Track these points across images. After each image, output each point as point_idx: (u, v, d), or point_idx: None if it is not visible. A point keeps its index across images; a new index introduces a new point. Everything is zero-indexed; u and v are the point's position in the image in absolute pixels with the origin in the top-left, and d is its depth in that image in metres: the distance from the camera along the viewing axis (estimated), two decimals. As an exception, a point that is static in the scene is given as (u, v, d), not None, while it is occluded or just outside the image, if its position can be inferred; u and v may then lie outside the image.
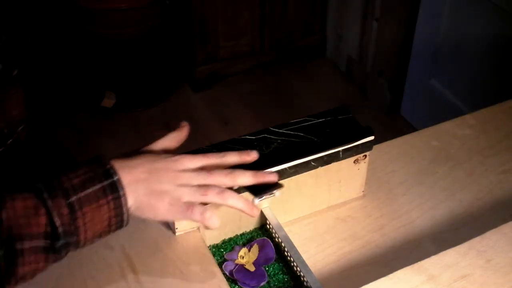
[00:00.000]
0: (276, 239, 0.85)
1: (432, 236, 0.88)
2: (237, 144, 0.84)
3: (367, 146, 0.87)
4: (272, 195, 0.77)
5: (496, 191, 0.94)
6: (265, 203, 0.86)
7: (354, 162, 0.88)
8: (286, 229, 0.85)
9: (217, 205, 0.81)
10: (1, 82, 0.76)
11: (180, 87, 2.53)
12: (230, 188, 0.74)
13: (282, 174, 0.83)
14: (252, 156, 0.77)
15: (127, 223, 0.71)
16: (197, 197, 0.72)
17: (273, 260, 0.83)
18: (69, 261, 0.79)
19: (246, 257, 0.82)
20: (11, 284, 0.66)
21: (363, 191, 0.93)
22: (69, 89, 2.44)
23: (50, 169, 0.70)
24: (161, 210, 0.71)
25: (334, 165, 0.86)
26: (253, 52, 2.56)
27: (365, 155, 0.88)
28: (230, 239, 0.86)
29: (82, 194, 0.66)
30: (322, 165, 0.85)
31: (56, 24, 2.29)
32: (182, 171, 0.72)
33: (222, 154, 0.76)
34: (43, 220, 0.65)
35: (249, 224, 0.87)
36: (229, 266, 0.81)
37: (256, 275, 0.80)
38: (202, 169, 0.74)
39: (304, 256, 0.81)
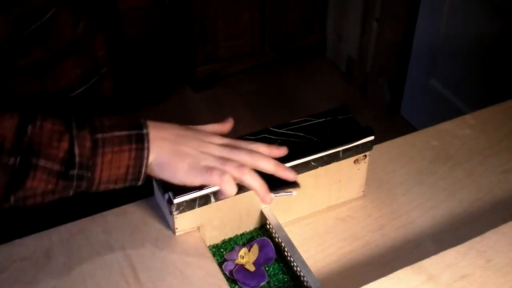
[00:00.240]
0: (276, 239, 0.85)
1: (432, 236, 0.88)
2: (237, 144, 0.84)
3: (367, 146, 0.87)
4: (289, 193, 0.77)
5: (496, 191, 0.94)
6: (265, 203, 0.86)
7: (354, 162, 0.88)
8: (286, 229, 0.85)
9: (218, 206, 0.81)
10: (89, 25, 0.78)
11: (180, 87, 2.53)
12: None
13: (282, 174, 0.83)
14: (281, 151, 0.78)
15: (143, 180, 0.72)
16: (217, 165, 0.73)
17: (273, 260, 0.83)
18: (69, 261, 0.79)
19: (246, 257, 0.82)
20: (16, 194, 0.68)
21: (363, 191, 0.93)
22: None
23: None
24: (181, 171, 0.72)
25: (334, 165, 0.86)
26: (253, 52, 2.56)
27: (365, 155, 0.88)
28: (230, 239, 0.86)
29: (107, 135, 0.69)
30: (322, 165, 0.85)
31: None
32: (208, 142, 0.75)
33: (251, 141, 0.77)
34: (64, 145, 0.67)
35: (249, 224, 0.87)
36: (229, 266, 0.81)
37: (256, 275, 0.80)
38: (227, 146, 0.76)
39: (304, 256, 0.81)
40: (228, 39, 2.46)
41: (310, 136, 0.85)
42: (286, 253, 0.82)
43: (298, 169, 0.83)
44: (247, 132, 0.86)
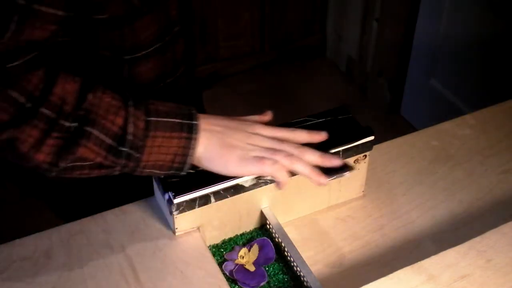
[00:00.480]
0: (276, 239, 0.85)
1: (432, 236, 0.88)
2: (237, 144, 0.84)
3: (367, 146, 0.87)
4: (342, 176, 0.79)
5: (496, 191, 0.94)
6: (265, 203, 0.86)
7: (354, 162, 0.88)
8: (286, 229, 0.85)
9: (218, 206, 0.81)
10: None
11: (180, 87, 2.53)
12: None
13: (282, 174, 0.83)
14: (321, 135, 0.79)
15: (187, 169, 0.75)
16: (267, 155, 0.74)
17: (273, 260, 0.83)
18: (69, 261, 0.79)
19: (246, 257, 0.82)
20: (66, 161, 0.69)
21: (363, 191, 0.93)
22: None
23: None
24: (231, 163, 0.74)
25: (334, 165, 0.86)
26: (253, 52, 2.56)
27: (365, 155, 0.88)
28: (230, 239, 0.86)
29: (161, 119, 0.72)
30: (322, 165, 0.85)
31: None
32: (254, 134, 0.76)
33: (293, 129, 0.79)
34: (119, 121, 0.69)
35: (249, 224, 0.87)
36: (229, 266, 0.81)
37: (256, 275, 0.80)
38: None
39: (304, 256, 0.81)
40: (228, 39, 2.46)
41: (310, 136, 0.85)
42: (286, 253, 0.82)
43: (298, 169, 0.83)
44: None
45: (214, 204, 0.81)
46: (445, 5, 1.99)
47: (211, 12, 2.35)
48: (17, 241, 0.82)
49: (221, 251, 0.85)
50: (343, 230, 0.89)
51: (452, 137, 1.03)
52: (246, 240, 0.86)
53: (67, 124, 0.68)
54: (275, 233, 0.85)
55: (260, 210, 0.86)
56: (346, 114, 0.89)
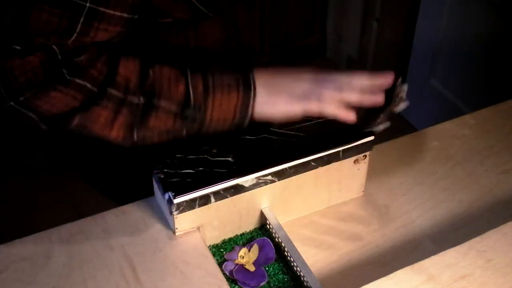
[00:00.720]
0: (276, 239, 0.85)
1: (432, 236, 0.88)
2: (237, 144, 0.84)
3: (367, 146, 0.87)
4: (377, 129, 0.82)
5: (496, 191, 0.94)
6: (265, 203, 0.86)
7: (354, 162, 0.88)
8: (286, 229, 0.85)
9: (218, 206, 0.81)
10: None
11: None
12: None
13: (282, 174, 0.83)
14: (387, 78, 0.79)
15: (249, 121, 0.79)
16: (313, 91, 0.77)
17: (273, 260, 0.83)
18: (69, 261, 0.79)
19: (246, 257, 0.82)
20: (139, 133, 0.75)
21: (363, 191, 0.93)
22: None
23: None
24: (280, 103, 0.78)
25: (334, 165, 0.86)
26: (253, 52, 2.56)
27: (365, 155, 0.88)
28: (230, 239, 0.86)
29: (217, 78, 0.76)
30: (322, 165, 0.85)
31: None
32: (300, 77, 0.79)
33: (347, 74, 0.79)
34: (181, 88, 0.74)
35: (249, 224, 0.87)
36: (229, 266, 0.81)
37: (256, 275, 0.80)
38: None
39: (304, 256, 0.81)
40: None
41: (310, 136, 0.85)
42: (286, 253, 0.82)
43: (298, 169, 0.83)
44: (247, 132, 0.86)
45: (214, 204, 0.81)
46: (445, 5, 1.99)
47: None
48: (17, 241, 0.82)
49: (221, 251, 0.85)
50: (343, 230, 0.89)
51: (452, 137, 1.03)
52: (246, 240, 0.86)
53: (135, 100, 0.73)
54: (275, 233, 0.85)
55: (260, 210, 0.86)
56: (346, 114, 0.89)
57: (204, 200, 0.79)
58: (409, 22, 2.16)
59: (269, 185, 0.83)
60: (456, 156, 1.00)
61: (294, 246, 0.82)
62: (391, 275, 0.74)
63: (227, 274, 0.80)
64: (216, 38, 0.83)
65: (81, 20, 0.67)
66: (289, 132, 0.86)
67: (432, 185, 0.95)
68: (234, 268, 0.81)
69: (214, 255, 0.83)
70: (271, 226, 0.85)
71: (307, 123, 0.87)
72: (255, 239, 0.85)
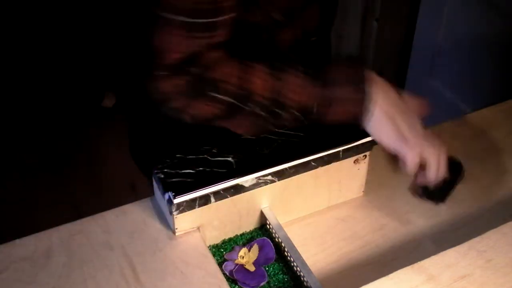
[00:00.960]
0: (276, 239, 0.85)
1: (432, 236, 0.88)
2: (238, 144, 0.84)
3: (367, 146, 0.87)
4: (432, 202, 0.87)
5: (496, 191, 0.94)
6: (265, 203, 0.86)
7: (354, 162, 0.88)
8: (286, 229, 0.85)
9: (218, 206, 0.81)
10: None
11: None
12: None
13: (282, 174, 0.83)
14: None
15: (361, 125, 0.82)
16: (413, 139, 0.81)
17: (273, 260, 0.83)
18: (69, 261, 0.79)
19: (246, 257, 0.82)
20: (263, 132, 0.83)
21: (363, 191, 0.93)
22: (70, 89, 2.44)
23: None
24: (384, 130, 0.81)
25: (334, 165, 0.86)
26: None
27: (365, 155, 0.88)
28: (230, 239, 0.86)
29: (338, 88, 0.80)
30: (322, 165, 0.85)
31: (56, 22, 2.29)
32: (414, 120, 0.83)
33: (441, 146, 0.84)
34: (305, 99, 0.79)
35: (249, 224, 0.87)
36: (229, 266, 0.81)
37: (256, 275, 0.80)
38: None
39: (304, 256, 0.81)
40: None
41: (310, 136, 0.85)
42: (286, 253, 0.82)
43: (298, 169, 0.83)
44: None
45: (214, 204, 0.81)
46: (445, 5, 1.99)
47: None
48: (17, 241, 0.82)
49: (221, 251, 0.85)
50: (343, 230, 0.89)
51: (452, 137, 1.03)
52: (246, 240, 0.86)
53: (264, 111, 0.79)
54: (275, 233, 0.85)
55: (260, 210, 0.86)
56: (346, 114, 0.89)
57: (204, 200, 0.79)
58: (409, 22, 2.16)
59: (269, 185, 0.83)
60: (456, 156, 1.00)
61: (294, 246, 0.82)
62: (391, 275, 0.74)
63: (227, 274, 0.80)
64: (287, 41, 0.88)
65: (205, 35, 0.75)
66: (289, 132, 0.86)
67: (432, 185, 0.95)
68: (234, 268, 0.81)
69: (214, 255, 0.83)
70: (271, 226, 0.85)
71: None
72: (255, 239, 0.85)
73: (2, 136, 2.28)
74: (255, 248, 0.83)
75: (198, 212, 0.81)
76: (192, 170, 0.80)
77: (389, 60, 2.30)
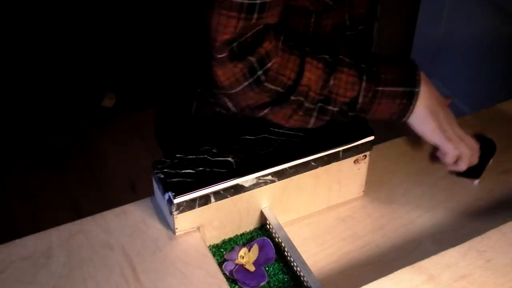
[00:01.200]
0: (276, 239, 0.85)
1: (432, 236, 0.88)
2: (238, 144, 0.84)
3: (367, 146, 0.87)
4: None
5: (496, 191, 0.94)
6: (265, 203, 0.86)
7: (354, 162, 0.88)
8: (286, 229, 0.85)
9: (218, 206, 0.81)
10: None
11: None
12: None
13: (282, 174, 0.83)
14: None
15: (404, 122, 0.85)
16: (456, 139, 0.85)
17: (273, 260, 0.83)
18: (69, 261, 0.79)
19: (246, 257, 0.82)
20: (308, 125, 0.84)
21: (363, 191, 0.93)
22: (69, 89, 2.44)
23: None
24: (428, 127, 0.84)
25: (334, 165, 0.86)
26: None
27: (365, 155, 0.88)
28: (230, 239, 0.86)
29: (387, 88, 0.82)
30: (322, 165, 0.85)
31: (57, 22, 2.29)
32: (454, 121, 0.86)
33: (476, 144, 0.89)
34: (353, 94, 0.81)
35: (249, 224, 0.87)
36: (229, 266, 0.81)
37: (256, 275, 0.80)
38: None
39: (304, 256, 0.81)
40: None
41: (310, 136, 0.85)
42: (286, 253, 0.82)
43: (298, 169, 0.83)
44: (247, 132, 0.86)
45: (214, 204, 0.81)
46: (445, 5, 1.99)
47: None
48: (17, 241, 0.82)
49: (221, 251, 0.85)
50: (343, 230, 0.89)
51: (452, 137, 1.03)
52: (246, 240, 0.86)
53: (312, 106, 0.80)
54: (275, 233, 0.85)
55: (260, 210, 0.86)
56: (346, 114, 0.89)
57: (204, 200, 0.79)
58: (409, 22, 2.16)
59: (269, 185, 0.83)
60: (456, 156, 1.00)
61: (294, 246, 0.82)
62: (391, 275, 0.74)
63: (227, 274, 0.80)
64: (333, 26, 0.88)
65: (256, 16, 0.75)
66: (289, 132, 0.86)
67: (432, 185, 0.95)
68: (234, 268, 0.81)
69: (214, 255, 0.83)
70: (271, 226, 0.85)
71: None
72: (255, 239, 0.85)
73: (2, 136, 2.28)
74: (255, 248, 0.83)
75: (198, 212, 0.81)
76: (192, 170, 0.80)
77: (389, 60, 2.30)
